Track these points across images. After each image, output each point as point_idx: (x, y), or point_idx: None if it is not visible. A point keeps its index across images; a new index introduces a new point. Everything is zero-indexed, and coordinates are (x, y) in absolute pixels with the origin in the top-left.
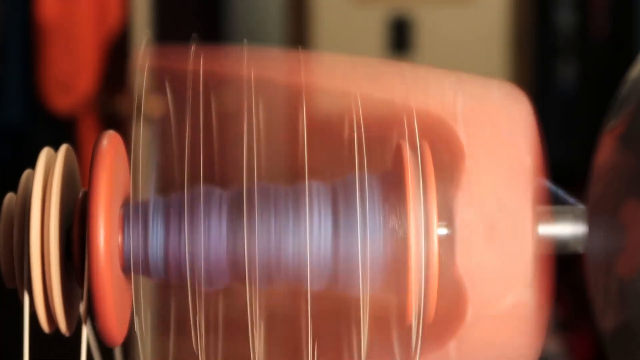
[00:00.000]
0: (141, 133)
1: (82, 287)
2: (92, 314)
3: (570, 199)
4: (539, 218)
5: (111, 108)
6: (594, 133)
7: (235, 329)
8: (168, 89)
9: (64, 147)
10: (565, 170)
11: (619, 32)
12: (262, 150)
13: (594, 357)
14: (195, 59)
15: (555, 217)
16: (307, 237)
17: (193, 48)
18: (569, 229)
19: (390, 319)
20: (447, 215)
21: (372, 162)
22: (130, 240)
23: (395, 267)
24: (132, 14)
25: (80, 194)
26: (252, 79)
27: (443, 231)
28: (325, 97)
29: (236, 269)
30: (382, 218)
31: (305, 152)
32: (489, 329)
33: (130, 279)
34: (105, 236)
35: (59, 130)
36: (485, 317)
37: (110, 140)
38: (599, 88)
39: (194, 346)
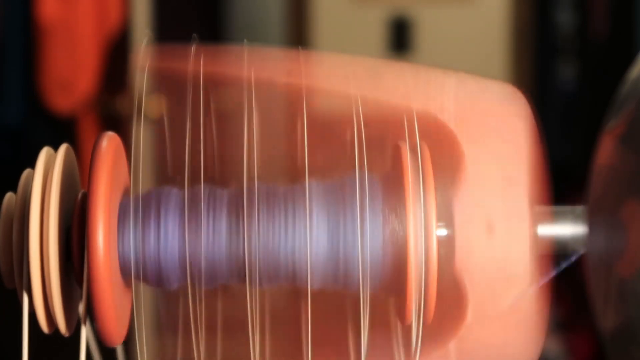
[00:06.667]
0: (141, 133)
1: (81, 287)
2: (91, 314)
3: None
4: (539, 218)
5: (111, 108)
6: (594, 133)
7: (234, 329)
8: (167, 90)
9: (63, 147)
10: (565, 170)
11: (619, 32)
12: (261, 151)
13: (594, 357)
14: (196, 59)
15: (555, 217)
16: (307, 237)
17: (193, 48)
18: (568, 229)
19: (390, 319)
20: (446, 216)
21: (372, 162)
22: (129, 241)
23: (395, 267)
24: (132, 14)
25: (80, 195)
26: (252, 79)
27: (442, 231)
28: (325, 98)
29: (236, 268)
30: (382, 218)
31: (305, 153)
32: (488, 329)
33: (129, 279)
34: (104, 237)
35: (59, 130)
36: (485, 317)
37: (109, 141)
38: (599, 88)
39: (195, 346)
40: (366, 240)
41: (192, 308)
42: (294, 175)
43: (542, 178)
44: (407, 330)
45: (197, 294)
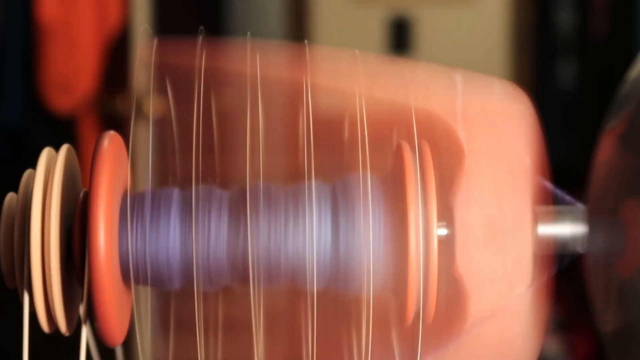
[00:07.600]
0: (145, 132)
1: (82, 287)
2: (92, 314)
3: (570, 199)
4: (539, 218)
5: (111, 108)
6: (594, 133)
7: (235, 329)
8: (169, 87)
9: (64, 147)
10: (565, 170)
11: (619, 32)
12: (263, 150)
13: (594, 357)
14: (198, 56)
15: (555, 217)
16: (307, 237)
17: (195, 44)
18: (568, 229)
19: (390, 320)
20: (447, 216)
21: (373, 162)
22: (130, 241)
23: (395, 268)
24: (132, 14)
25: (81, 194)
26: (255, 76)
27: (443, 231)
28: (326, 96)
29: (236, 269)
30: (382, 218)
31: (306, 152)
32: (489, 329)
33: (130, 279)
34: (105, 237)
35: (59, 130)
36: (485, 317)
37: (111, 141)
38: (599, 88)
39: (198, 346)
40: (367, 241)
41: (194, 308)
42: (295, 175)
43: (543, 178)
44: (407, 331)
45: (197, 294)
